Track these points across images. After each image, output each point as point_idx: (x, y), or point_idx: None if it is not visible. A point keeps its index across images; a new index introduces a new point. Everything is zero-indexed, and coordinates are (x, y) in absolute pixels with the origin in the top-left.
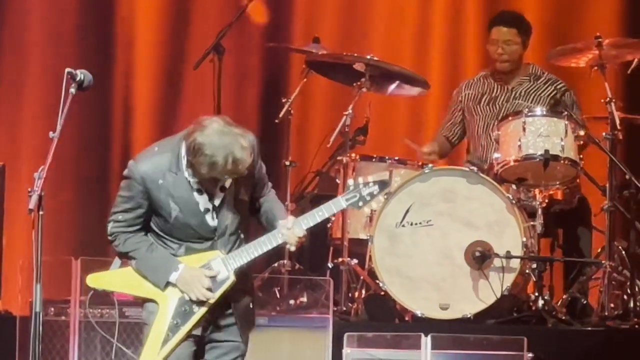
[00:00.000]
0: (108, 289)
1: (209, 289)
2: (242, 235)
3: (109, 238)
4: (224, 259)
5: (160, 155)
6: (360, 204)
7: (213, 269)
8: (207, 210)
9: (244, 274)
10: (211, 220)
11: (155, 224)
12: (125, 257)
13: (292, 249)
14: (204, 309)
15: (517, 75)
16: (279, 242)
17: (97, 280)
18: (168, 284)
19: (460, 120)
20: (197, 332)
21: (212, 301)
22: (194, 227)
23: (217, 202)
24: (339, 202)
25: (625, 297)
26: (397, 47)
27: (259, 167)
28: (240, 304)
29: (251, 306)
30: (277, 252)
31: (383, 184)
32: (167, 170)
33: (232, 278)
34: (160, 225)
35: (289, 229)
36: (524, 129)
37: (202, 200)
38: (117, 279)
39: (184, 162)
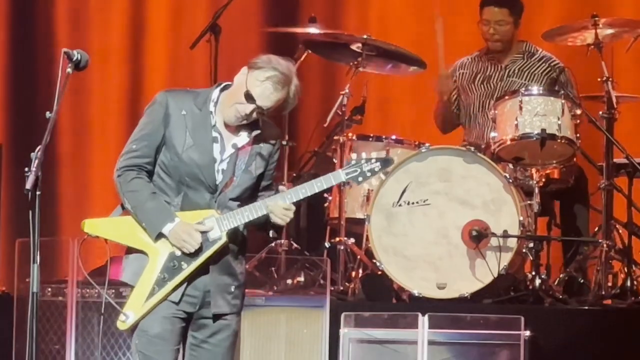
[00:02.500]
0: (102, 236)
1: (200, 246)
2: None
3: (116, 174)
4: (218, 219)
5: (189, 92)
6: (360, 179)
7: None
8: (215, 160)
9: (238, 245)
10: (216, 172)
11: (162, 162)
12: (126, 197)
13: (279, 221)
14: (192, 267)
15: (510, 53)
16: (264, 212)
17: (93, 226)
18: (160, 235)
19: (454, 99)
20: (186, 308)
21: (201, 259)
22: (201, 166)
23: (225, 156)
24: (339, 175)
25: (622, 276)
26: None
27: (276, 155)
28: (230, 281)
29: (238, 286)
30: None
31: (385, 162)
32: (192, 104)
33: (224, 239)
34: (167, 162)
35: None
36: (520, 108)
37: (215, 149)
38: (112, 227)
39: (211, 104)
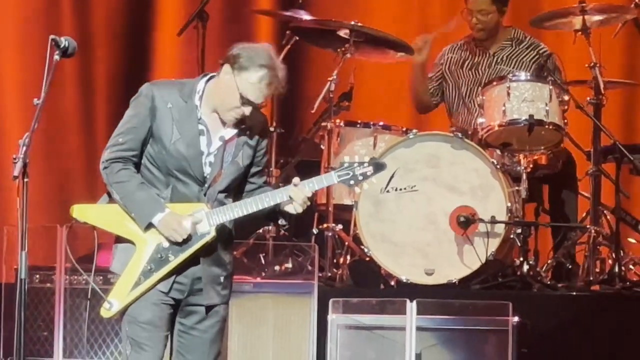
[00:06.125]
0: (90, 223)
1: (188, 238)
2: (231, 200)
3: (102, 166)
4: (208, 213)
5: (175, 84)
6: (352, 182)
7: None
8: (202, 152)
9: (226, 236)
10: (204, 165)
11: (149, 154)
12: (113, 188)
13: (299, 209)
14: (179, 260)
15: (498, 41)
16: (277, 201)
17: (82, 212)
18: (150, 225)
19: (437, 79)
20: (175, 295)
21: (189, 252)
22: (189, 158)
23: (212, 149)
24: (331, 177)
25: (610, 261)
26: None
27: (264, 142)
28: (219, 271)
29: (226, 276)
30: None
31: (378, 166)
32: (178, 97)
33: (213, 233)
34: (154, 154)
35: (296, 185)
36: (508, 94)
37: (202, 141)
38: (101, 214)
39: (197, 95)
